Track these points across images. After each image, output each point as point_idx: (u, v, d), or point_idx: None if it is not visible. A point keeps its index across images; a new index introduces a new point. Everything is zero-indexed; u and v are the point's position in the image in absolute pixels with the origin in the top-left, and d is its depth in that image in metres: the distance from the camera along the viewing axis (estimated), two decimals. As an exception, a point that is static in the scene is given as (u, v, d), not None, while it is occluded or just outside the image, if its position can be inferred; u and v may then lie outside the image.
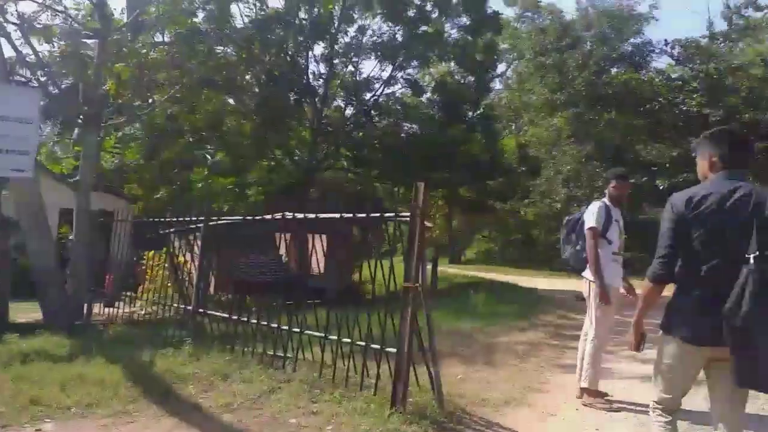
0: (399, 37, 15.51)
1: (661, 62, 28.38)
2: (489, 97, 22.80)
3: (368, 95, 16.09)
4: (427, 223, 4.24)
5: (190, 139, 14.96)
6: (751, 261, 2.25)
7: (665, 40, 24.55)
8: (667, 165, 22.58)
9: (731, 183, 2.47)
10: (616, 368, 5.77)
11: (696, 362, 2.58)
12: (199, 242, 6.55)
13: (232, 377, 4.75)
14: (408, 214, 4.18)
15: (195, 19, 13.66)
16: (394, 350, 4.11)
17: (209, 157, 17.06)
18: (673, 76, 25.02)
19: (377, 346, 4.33)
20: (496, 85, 30.95)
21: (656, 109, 23.23)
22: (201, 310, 6.24)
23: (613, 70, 24.66)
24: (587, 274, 4.54)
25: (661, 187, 21.03)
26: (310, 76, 15.73)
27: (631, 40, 25.59)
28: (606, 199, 4.69)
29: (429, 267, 14.85)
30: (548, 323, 8.75)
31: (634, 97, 22.58)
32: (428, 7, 15.86)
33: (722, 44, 24.14)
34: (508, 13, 30.55)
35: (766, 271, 2.22)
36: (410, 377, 4.08)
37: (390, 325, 4.29)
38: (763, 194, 2.41)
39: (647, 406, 4.42)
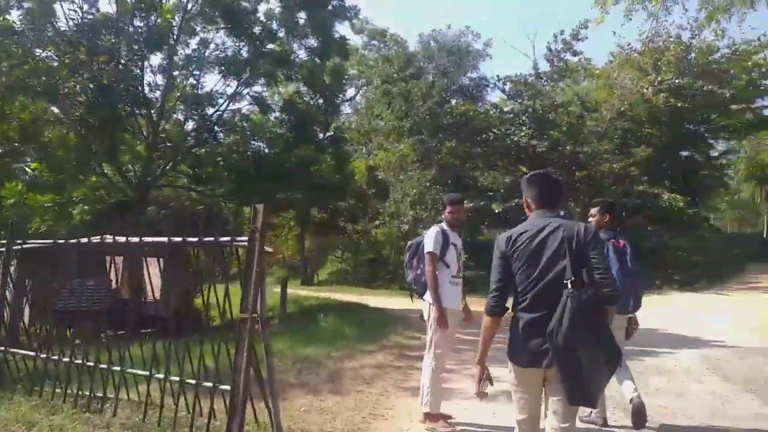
0: (244, 53, 14.99)
1: (494, 96, 30.95)
2: (339, 120, 23.06)
3: (211, 110, 15.29)
4: (267, 248, 3.97)
5: (1, 151, 13.06)
6: (569, 286, 2.53)
7: (497, 76, 26.91)
8: (501, 190, 24.50)
9: (544, 220, 2.78)
10: (460, 388, 5.91)
11: (533, 383, 2.72)
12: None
13: (39, 425, 4.09)
14: (246, 238, 3.89)
15: (8, 17, 12.11)
16: (228, 387, 3.76)
17: (29, 170, 15.08)
18: (505, 109, 27.38)
19: (209, 384, 3.94)
20: (346, 108, 31.56)
21: (491, 139, 25.17)
22: (1, 348, 5.32)
23: (453, 101, 26.34)
24: (428, 297, 4.58)
25: (497, 211, 22.72)
26: (146, 87, 14.60)
27: (469, 74, 27.62)
28: (444, 224, 4.78)
29: (278, 290, 14.37)
30: (396, 344, 8.80)
31: (472, 127, 24.28)
32: (274, 25, 15.58)
33: (546, 83, 26.90)
34: (356, 39, 31.45)
35: (581, 293, 2.52)
36: (248, 414, 3.76)
37: (226, 357, 3.93)
38: (571, 228, 2.71)
39: (491, 426, 4.56)
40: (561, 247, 2.64)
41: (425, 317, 4.67)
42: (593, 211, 4.80)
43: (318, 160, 16.34)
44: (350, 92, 31.74)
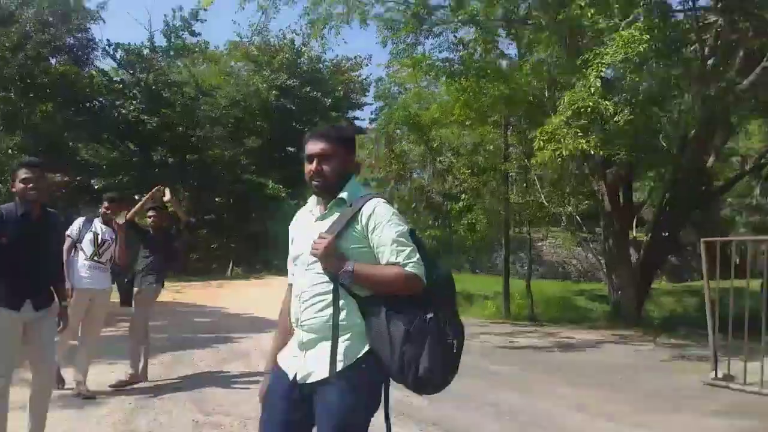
0: None
1: (104, 63, 28.13)
2: None
3: None
4: None
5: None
6: None
7: (108, 41, 24.56)
8: (104, 166, 22.66)
9: None
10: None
11: None
12: None
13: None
14: None
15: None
16: None
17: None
18: (115, 78, 25.27)
19: None
20: None
21: (96, 109, 22.94)
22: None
23: (53, 60, 22.91)
24: None
25: (96, 187, 20.94)
26: None
27: (75, 33, 24.35)
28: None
29: None
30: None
31: (74, 93, 21.67)
32: None
33: (162, 59, 25.81)
34: None
35: None
36: None
37: None
38: None
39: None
40: None
41: None
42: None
43: None
44: None
